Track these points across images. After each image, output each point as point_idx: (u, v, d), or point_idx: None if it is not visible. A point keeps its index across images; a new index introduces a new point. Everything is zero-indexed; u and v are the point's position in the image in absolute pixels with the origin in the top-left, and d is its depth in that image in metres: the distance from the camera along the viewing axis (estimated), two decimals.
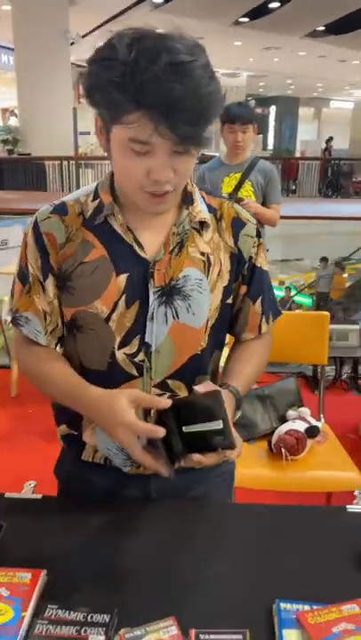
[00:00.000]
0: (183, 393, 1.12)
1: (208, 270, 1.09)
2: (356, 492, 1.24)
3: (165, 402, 0.95)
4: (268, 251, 1.28)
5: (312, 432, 1.97)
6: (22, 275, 1.10)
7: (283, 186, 12.67)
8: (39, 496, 1.18)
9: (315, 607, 0.90)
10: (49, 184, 12.41)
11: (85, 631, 0.83)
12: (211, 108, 0.89)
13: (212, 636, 0.81)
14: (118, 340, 1.07)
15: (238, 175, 3.08)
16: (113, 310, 1.05)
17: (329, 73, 18.91)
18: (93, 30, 14.31)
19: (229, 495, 1.30)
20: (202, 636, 0.81)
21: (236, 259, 1.12)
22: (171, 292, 1.06)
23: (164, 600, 0.91)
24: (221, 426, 0.92)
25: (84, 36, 13.30)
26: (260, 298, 1.17)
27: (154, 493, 1.16)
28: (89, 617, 0.86)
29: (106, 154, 0.99)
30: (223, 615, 0.88)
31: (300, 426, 1.97)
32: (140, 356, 1.08)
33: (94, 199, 1.07)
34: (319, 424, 2.07)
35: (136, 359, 1.08)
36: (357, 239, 7.66)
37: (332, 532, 1.10)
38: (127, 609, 0.88)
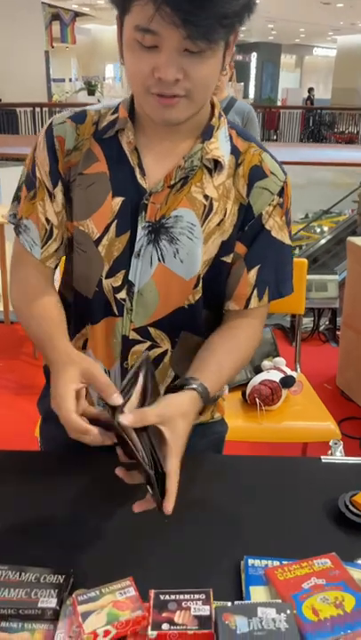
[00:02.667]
0: (165, 345, 1.05)
1: (206, 217, 0.98)
2: (330, 442, 1.19)
3: (117, 399, 0.82)
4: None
5: (287, 382, 1.92)
6: (29, 180, 1.03)
7: (263, 137, 12.37)
8: None
9: (285, 563, 0.85)
10: (21, 132, 11.94)
11: (36, 594, 0.77)
12: None
13: (172, 597, 0.75)
14: (106, 267, 1.00)
15: None
16: (104, 234, 0.98)
17: (312, 17, 18.26)
18: None
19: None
20: (162, 597, 0.75)
21: (244, 212, 0.99)
22: (159, 231, 0.98)
23: (123, 559, 0.85)
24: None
25: None
26: (259, 267, 1.02)
27: None
28: (42, 578, 0.79)
29: (121, 63, 0.89)
30: (187, 575, 0.82)
31: (275, 376, 1.92)
32: (123, 294, 1.01)
33: (114, 113, 0.99)
34: (295, 374, 2.02)
35: (118, 296, 1.01)
36: (337, 190, 7.53)
37: (307, 484, 1.05)
38: (84, 569, 0.82)
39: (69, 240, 1.04)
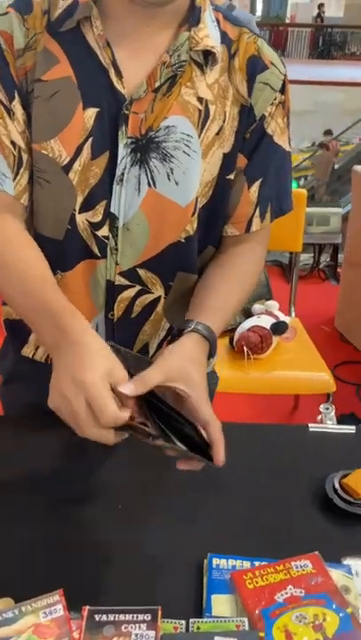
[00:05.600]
0: (158, 290, 0.89)
1: (203, 125, 0.80)
2: (321, 407, 1.03)
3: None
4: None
5: (278, 328, 1.75)
6: None
7: None
8: None
9: (256, 564, 0.70)
10: None
11: None
12: None
13: (110, 617, 0.60)
14: (80, 199, 0.81)
15: None
16: (75, 158, 0.78)
17: None
18: None
19: None
20: (97, 617, 0.60)
21: (246, 114, 0.82)
22: (146, 148, 0.79)
23: (54, 564, 0.69)
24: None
25: None
26: (260, 181, 0.86)
27: None
28: None
29: None
30: (133, 583, 0.67)
31: (266, 322, 1.75)
32: (105, 231, 0.83)
33: None
34: (288, 319, 1.85)
35: (99, 232, 0.83)
36: (346, 116, 7.10)
37: (290, 460, 0.89)
38: (8, 574, 0.67)
39: (30, 172, 0.82)
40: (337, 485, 0.80)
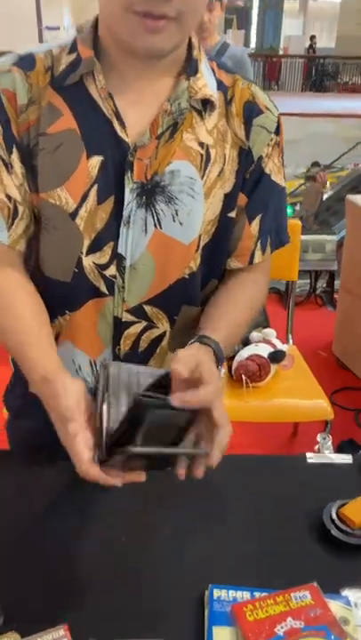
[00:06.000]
0: (163, 325, 0.91)
1: (205, 168, 0.84)
2: (318, 437, 1.04)
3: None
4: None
5: (276, 357, 1.77)
6: None
7: (264, 87, 11.81)
8: None
9: (256, 595, 0.71)
10: None
11: None
12: None
13: None
14: (87, 243, 0.84)
15: None
16: (81, 204, 0.82)
17: None
18: None
19: None
20: None
21: (245, 156, 0.87)
22: (152, 192, 0.83)
23: (60, 596, 0.70)
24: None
25: None
26: (260, 216, 0.91)
27: None
28: None
29: None
30: (137, 615, 0.68)
31: (264, 350, 1.77)
32: (112, 270, 0.86)
33: (70, 52, 0.81)
34: (285, 347, 1.87)
35: (106, 272, 0.86)
36: (340, 143, 7.22)
37: (288, 490, 0.90)
38: (16, 607, 0.68)
39: (35, 220, 0.86)
40: (334, 516, 0.82)
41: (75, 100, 0.80)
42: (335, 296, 3.53)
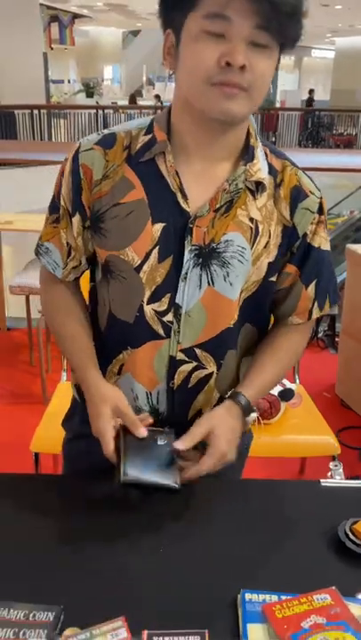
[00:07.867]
0: (211, 367, 1.04)
1: (254, 240, 0.98)
2: (330, 465, 1.16)
3: (142, 431, 0.97)
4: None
5: (286, 395, 1.89)
6: (53, 204, 1.04)
7: (262, 138, 12.21)
8: None
9: (283, 598, 0.82)
10: (19, 134, 11.89)
11: (24, 634, 0.74)
12: None
13: (166, 639, 0.71)
14: (148, 294, 0.99)
15: None
16: (144, 261, 0.97)
17: (311, 18, 18.26)
18: None
19: (240, 470, 1.23)
20: (155, 639, 0.72)
21: (289, 234, 1.01)
22: (209, 256, 0.97)
23: (117, 596, 0.81)
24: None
25: None
26: (315, 281, 1.06)
27: None
28: (30, 615, 0.76)
29: (172, 73, 0.92)
30: (182, 612, 0.79)
31: (274, 389, 1.88)
32: (169, 317, 1.00)
33: (147, 133, 0.97)
34: (293, 386, 1.99)
35: (164, 319, 1.00)
36: (336, 192, 7.50)
37: (305, 510, 1.01)
38: (75, 606, 0.78)
39: (103, 267, 1.02)
40: (348, 531, 0.93)
41: (146, 175, 0.96)
42: (337, 339, 3.67)
